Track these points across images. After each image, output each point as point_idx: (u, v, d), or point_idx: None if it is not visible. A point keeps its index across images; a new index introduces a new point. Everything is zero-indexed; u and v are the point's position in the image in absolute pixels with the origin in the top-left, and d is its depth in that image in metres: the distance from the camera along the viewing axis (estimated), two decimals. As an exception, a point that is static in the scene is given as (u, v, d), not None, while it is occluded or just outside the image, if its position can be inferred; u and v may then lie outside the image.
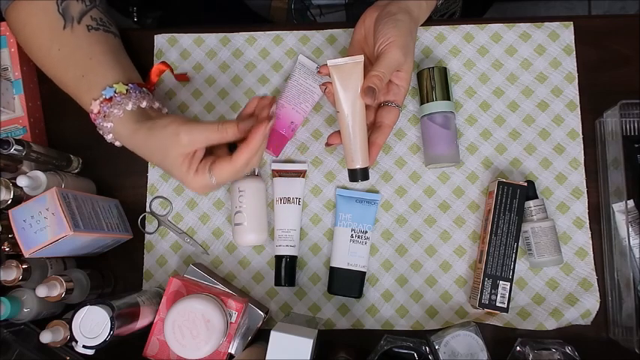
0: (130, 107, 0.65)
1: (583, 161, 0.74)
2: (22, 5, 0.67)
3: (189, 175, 0.62)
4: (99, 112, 0.65)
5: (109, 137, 0.67)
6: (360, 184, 0.75)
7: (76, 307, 0.61)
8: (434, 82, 0.73)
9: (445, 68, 0.73)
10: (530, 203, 0.71)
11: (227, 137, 0.61)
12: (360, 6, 0.91)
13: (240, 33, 0.80)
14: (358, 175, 0.68)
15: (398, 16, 0.66)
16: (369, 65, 0.67)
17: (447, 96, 0.73)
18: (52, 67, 0.69)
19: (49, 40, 0.67)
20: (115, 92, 0.65)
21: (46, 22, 0.67)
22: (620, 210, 0.70)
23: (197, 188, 0.63)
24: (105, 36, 0.69)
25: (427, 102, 0.73)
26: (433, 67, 0.73)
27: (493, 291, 0.68)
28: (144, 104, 0.66)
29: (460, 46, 0.78)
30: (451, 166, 0.75)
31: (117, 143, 0.67)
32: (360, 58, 0.65)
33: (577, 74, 0.76)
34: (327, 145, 0.70)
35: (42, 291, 0.63)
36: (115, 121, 0.65)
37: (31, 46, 0.70)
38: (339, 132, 0.69)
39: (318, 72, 0.68)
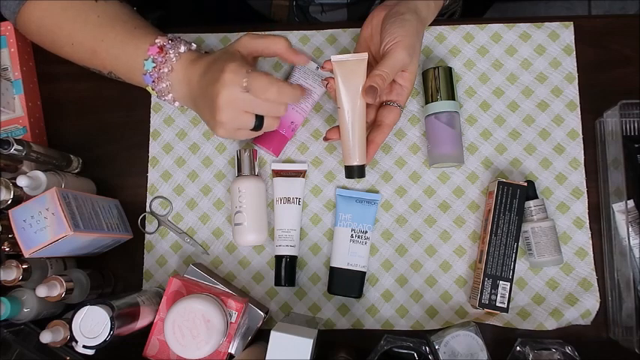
0: (182, 49, 0.66)
1: (583, 161, 0.74)
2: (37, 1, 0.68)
3: (228, 71, 0.61)
4: (156, 67, 0.66)
5: (168, 97, 0.67)
6: (361, 184, 0.75)
7: (76, 307, 0.61)
8: (439, 81, 0.73)
9: (450, 68, 0.73)
10: (530, 203, 0.71)
11: (277, 46, 0.65)
12: (362, 5, 0.91)
13: (241, 33, 0.80)
14: (355, 172, 0.68)
15: (406, 16, 0.66)
16: (373, 64, 0.67)
17: (452, 96, 0.73)
18: (91, 36, 0.68)
19: (83, 13, 0.68)
20: (163, 41, 0.66)
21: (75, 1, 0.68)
22: (620, 210, 0.70)
23: (227, 84, 0.60)
24: (129, 6, 0.72)
25: (432, 101, 0.73)
26: (438, 67, 0.73)
27: (493, 291, 0.68)
28: (193, 47, 0.68)
29: (460, 46, 0.78)
30: (455, 166, 0.75)
31: (176, 104, 0.69)
32: (364, 55, 0.65)
33: (577, 74, 0.76)
34: (325, 139, 0.71)
35: (42, 291, 0.63)
36: (174, 66, 0.66)
37: (59, 29, 0.69)
38: (338, 127, 0.69)
39: (322, 67, 0.67)
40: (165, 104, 0.78)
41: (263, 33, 0.67)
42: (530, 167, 0.75)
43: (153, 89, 0.67)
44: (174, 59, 0.65)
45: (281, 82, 0.62)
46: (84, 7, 0.68)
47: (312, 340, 0.60)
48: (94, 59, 0.70)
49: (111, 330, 0.60)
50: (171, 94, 0.67)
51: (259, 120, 0.64)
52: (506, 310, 0.67)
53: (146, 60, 0.66)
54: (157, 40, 0.66)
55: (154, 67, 0.66)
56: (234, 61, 0.62)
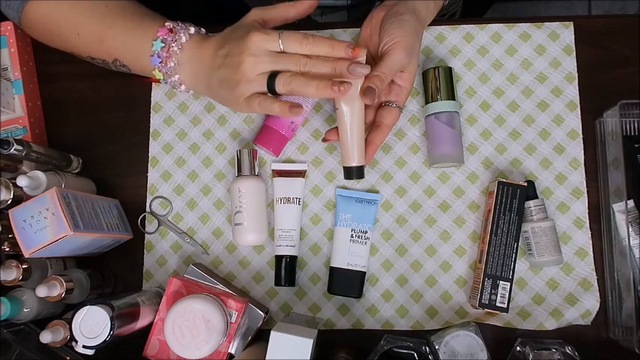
0: (192, 30, 0.67)
1: (583, 161, 0.74)
2: None
3: (256, 33, 0.61)
4: (165, 47, 0.66)
5: (174, 78, 0.67)
6: (361, 184, 0.75)
7: (76, 307, 0.61)
8: (439, 81, 0.73)
9: (450, 68, 0.73)
10: (530, 203, 0.71)
11: (288, 15, 0.66)
12: (362, 7, 0.91)
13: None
14: (354, 172, 0.68)
15: (404, 17, 0.66)
16: (372, 64, 0.67)
17: (452, 96, 0.73)
18: (98, 24, 0.68)
19: (91, 4, 0.68)
20: (173, 24, 0.67)
21: None
22: (620, 210, 0.70)
23: (256, 49, 0.61)
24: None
25: (432, 101, 0.73)
26: (438, 67, 0.73)
27: (493, 291, 0.68)
28: (203, 31, 0.69)
29: (460, 46, 0.78)
30: (455, 166, 0.75)
31: (182, 87, 0.68)
32: (363, 56, 0.65)
33: (577, 74, 0.76)
34: (324, 140, 0.71)
35: (42, 291, 0.63)
36: (184, 45, 0.66)
37: (66, 20, 0.69)
38: (336, 128, 0.69)
39: None
40: (166, 104, 0.78)
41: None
42: (530, 167, 0.75)
43: (159, 71, 0.67)
44: (183, 39, 0.66)
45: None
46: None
47: (312, 340, 0.60)
48: (101, 47, 0.69)
49: (111, 330, 0.60)
50: (178, 76, 0.67)
51: (272, 77, 0.62)
52: (506, 310, 0.67)
53: (155, 40, 0.66)
54: (166, 24, 0.67)
55: (162, 47, 0.66)
56: (256, 26, 0.63)
